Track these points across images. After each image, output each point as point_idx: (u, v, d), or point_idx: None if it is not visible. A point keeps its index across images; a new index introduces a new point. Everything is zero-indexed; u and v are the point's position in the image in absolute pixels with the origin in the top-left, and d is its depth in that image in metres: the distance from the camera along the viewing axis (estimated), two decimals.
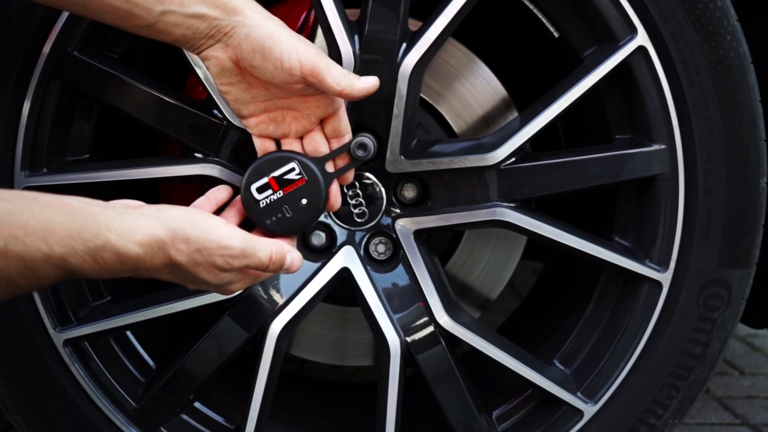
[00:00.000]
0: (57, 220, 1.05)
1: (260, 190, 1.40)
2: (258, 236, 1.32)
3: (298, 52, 1.30)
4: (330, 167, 1.44)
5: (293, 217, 1.41)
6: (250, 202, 1.40)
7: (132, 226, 1.14)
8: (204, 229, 1.22)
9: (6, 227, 0.99)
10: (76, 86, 1.55)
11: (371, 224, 1.63)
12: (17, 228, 1.00)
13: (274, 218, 1.40)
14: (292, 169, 1.40)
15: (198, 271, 1.22)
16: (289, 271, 1.32)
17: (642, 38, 1.53)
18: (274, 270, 1.31)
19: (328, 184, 1.42)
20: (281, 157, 1.41)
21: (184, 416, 1.67)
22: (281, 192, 1.40)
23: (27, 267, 1.02)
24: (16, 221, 1.00)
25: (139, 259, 1.15)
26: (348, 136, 1.44)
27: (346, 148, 1.45)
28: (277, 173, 1.41)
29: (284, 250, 1.31)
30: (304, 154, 1.43)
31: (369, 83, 1.36)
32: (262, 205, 1.40)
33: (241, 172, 1.48)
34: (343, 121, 1.43)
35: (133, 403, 1.64)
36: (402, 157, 1.55)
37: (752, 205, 1.57)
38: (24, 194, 1.05)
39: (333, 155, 1.44)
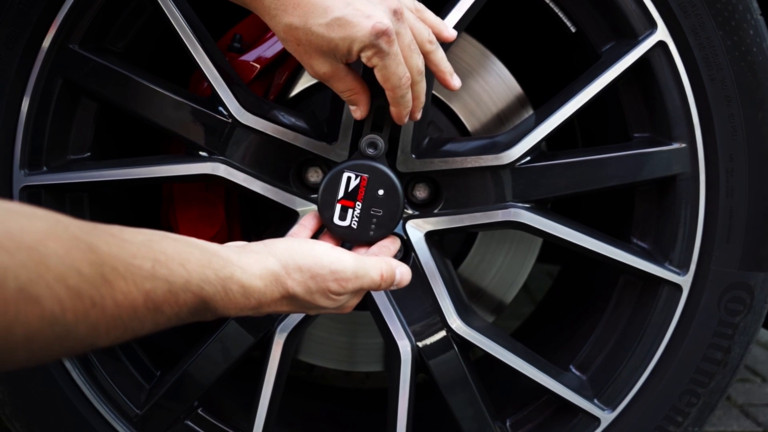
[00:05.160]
0: (189, 251, 1.07)
1: (342, 216, 1.43)
2: (365, 255, 1.37)
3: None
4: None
5: (386, 212, 1.43)
6: (345, 233, 1.43)
7: (250, 261, 1.17)
8: (314, 255, 1.24)
9: (149, 252, 1.00)
10: (77, 82, 1.54)
11: None
12: (159, 253, 1.01)
13: (373, 226, 1.43)
14: (349, 178, 1.43)
15: (315, 299, 1.24)
16: (399, 285, 1.34)
17: (662, 33, 1.51)
18: (386, 287, 1.32)
19: (384, 163, 1.44)
20: (331, 178, 1.43)
21: (189, 423, 1.65)
22: (358, 202, 1.42)
23: (171, 291, 1.02)
24: (156, 247, 1.02)
25: (260, 293, 1.17)
26: None
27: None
28: (341, 193, 1.43)
29: (392, 266, 1.33)
30: (343, 161, 1.45)
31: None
32: (355, 226, 1.43)
33: (247, 171, 1.45)
34: None
35: (136, 410, 1.62)
36: (413, 156, 1.53)
37: None
38: (153, 231, 1.07)
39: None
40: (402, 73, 1.29)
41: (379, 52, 1.26)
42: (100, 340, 0.93)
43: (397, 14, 1.28)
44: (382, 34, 1.24)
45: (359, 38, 1.24)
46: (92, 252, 0.90)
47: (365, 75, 1.37)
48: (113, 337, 0.95)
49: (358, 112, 1.39)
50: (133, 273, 0.96)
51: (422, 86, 1.36)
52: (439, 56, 1.39)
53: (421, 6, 1.42)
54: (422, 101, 1.39)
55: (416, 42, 1.33)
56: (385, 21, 1.24)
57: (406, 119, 1.39)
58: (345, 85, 1.35)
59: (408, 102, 1.35)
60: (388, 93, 1.33)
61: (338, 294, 1.25)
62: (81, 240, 0.89)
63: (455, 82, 1.42)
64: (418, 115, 1.41)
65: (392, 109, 1.36)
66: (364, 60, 1.27)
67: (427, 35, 1.37)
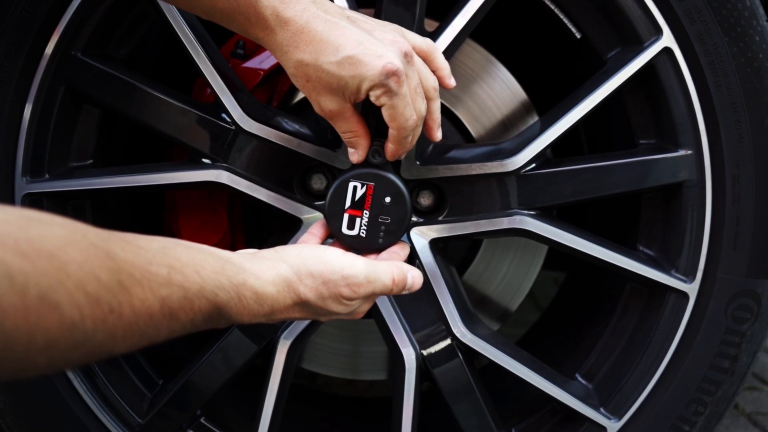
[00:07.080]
0: (203, 257, 1.08)
1: (350, 226, 1.43)
2: (376, 260, 1.36)
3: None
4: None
5: (394, 219, 1.44)
6: (354, 242, 1.44)
7: (262, 267, 1.17)
8: (325, 261, 1.24)
9: (164, 259, 1.00)
10: (80, 89, 1.53)
11: None
12: (173, 260, 1.02)
13: (381, 234, 1.44)
14: (355, 187, 1.43)
15: (327, 305, 1.24)
16: (411, 290, 1.34)
17: (667, 39, 1.50)
18: (398, 292, 1.32)
19: (390, 171, 1.44)
20: (337, 188, 1.44)
21: None
22: (366, 211, 1.43)
23: (186, 297, 1.02)
24: (170, 254, 1.02)
25: (273, 300, 1.17)
26: None
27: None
28: (348, 202, 1.43)
29: (404, 270, 1.33)
30: (348, 170, 1.45)
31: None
32: (364, 235, 1.44)
33: (251, 178, 1.45)
34: None
35: (138, 419, 1.61)
36: (418, 162, 1.52)
37: None
38: (166, 238, 1.07)
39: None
40: (409, 115, 1.30)
41: (388, 92, 1.26)
42: (118, 347, 0.93)
43: (407, 57, 1.29)
44: (392, 74, 1.25)
45: (369, 77, 1.24)
46: (110, 259, 0.91)
47: (364, 111, 1.38)
48: (130, 343, 0.95)
49: (355, 155, 1.40)
50: (149, 279, 0.96)
51: (419, 131, 1.37)
52: (437, 106, 1.40)
53: (434, 46, 1.42)
54: (414, 144, 1.40)
55: (421, 87, 1.34)
56: (396, 62, 1.25)
57: (397, 158, 1.41)
58: (348, 126, 1.36)
59: (408, 144, 1.37)
60: (391, 132, 1.34)
61: (350, 299, 1.25)
62: (99, 247, 0.90)
63: (439, 134, 1.43)
64: (404, 156, 1.44)
65: (389, 146, 1.37)
66: (372, 99, 1.28)
67: (432, 82, 1.37)
